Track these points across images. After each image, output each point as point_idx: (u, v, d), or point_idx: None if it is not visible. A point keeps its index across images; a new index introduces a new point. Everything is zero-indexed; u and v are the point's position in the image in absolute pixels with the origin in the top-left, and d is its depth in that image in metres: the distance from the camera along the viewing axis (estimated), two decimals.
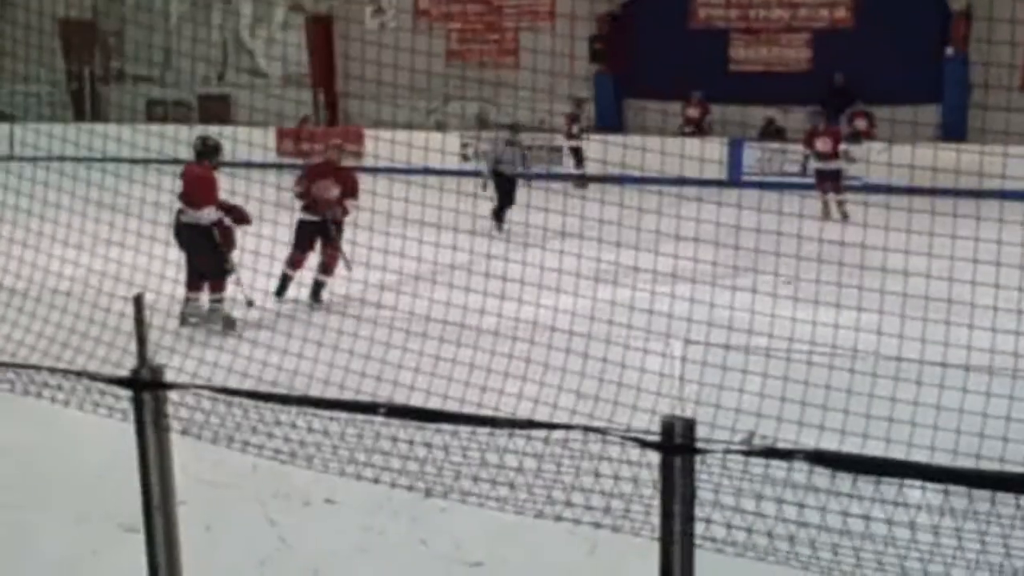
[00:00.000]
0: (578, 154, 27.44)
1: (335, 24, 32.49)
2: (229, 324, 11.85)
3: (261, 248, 8.85)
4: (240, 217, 11.99)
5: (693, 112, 28.90)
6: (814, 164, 22.09)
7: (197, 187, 12.02)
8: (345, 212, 13.55)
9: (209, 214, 12.09)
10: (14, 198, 9.11)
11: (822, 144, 21.89)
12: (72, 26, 33.83)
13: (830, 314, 7.35)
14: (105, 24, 35.92)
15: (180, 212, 12.11)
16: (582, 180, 24.29)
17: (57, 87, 35.28)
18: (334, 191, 13.80)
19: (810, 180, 21.78)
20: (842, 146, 21.70)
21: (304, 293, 13.69)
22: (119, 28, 35.98)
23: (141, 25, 35.14)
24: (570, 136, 27.87)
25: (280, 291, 13.49)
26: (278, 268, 11.35)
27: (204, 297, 12.30)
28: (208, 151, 12.48)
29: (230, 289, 12.26)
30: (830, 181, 21.40)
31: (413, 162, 10.12)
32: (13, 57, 12.38)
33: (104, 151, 9.84)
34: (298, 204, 13.53)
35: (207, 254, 12.09)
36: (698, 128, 28.50)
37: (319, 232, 13.74)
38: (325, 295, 13.64)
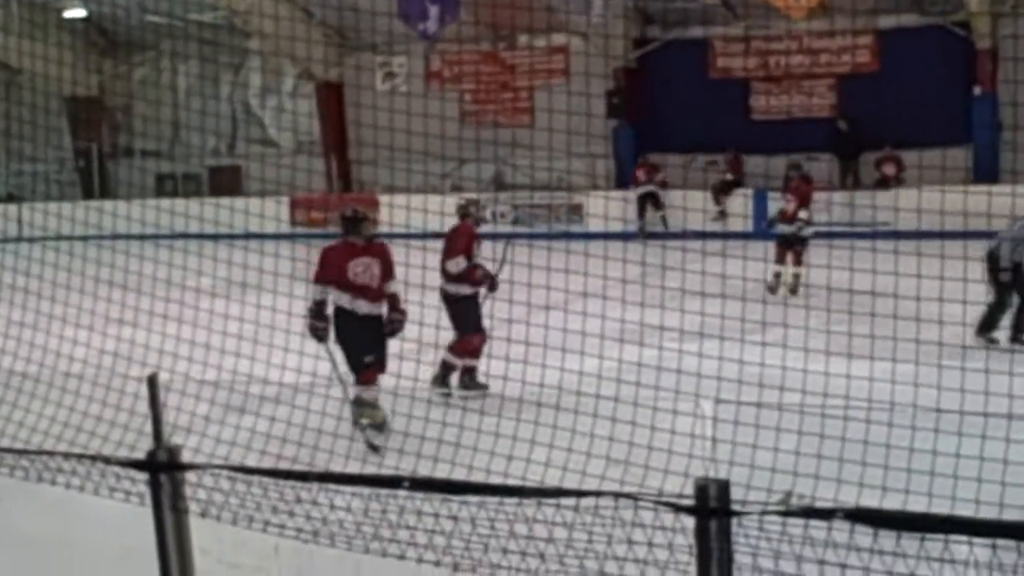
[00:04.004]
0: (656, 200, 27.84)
1: (345, 91, 32.67)
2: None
3: (276, 322, 8.76)
4: (394, 309, 10.62)
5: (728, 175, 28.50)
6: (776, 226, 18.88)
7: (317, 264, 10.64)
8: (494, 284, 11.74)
9: (315, 292, 10.47)
10: (23, 280, 9.05)
11: (788, 203, 18.71)
12: (79, 103, 34.14)
13: (864, 367, 7.18)
14: (112, 100, 36.16)
15: None
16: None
17: (64, 165, 35.44)
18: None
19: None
20: (803, 213, 18.17)
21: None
22: (126, 103, 36.18)
23: (148, 100, 35.30)
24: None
25: (444, 380, 11.73)
26: (295, 342, 10.38)
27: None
28: (344, 226, 10.91)
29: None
30: (788, 249, 18.23)
31: (429, 227, 10.04)
32: (20, 137, 12.32)
33: (114, 229, 9.78)
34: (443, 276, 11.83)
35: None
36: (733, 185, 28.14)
37: (478, 307, 11.97)
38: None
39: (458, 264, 11.73)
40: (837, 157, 27.90)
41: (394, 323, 10.53)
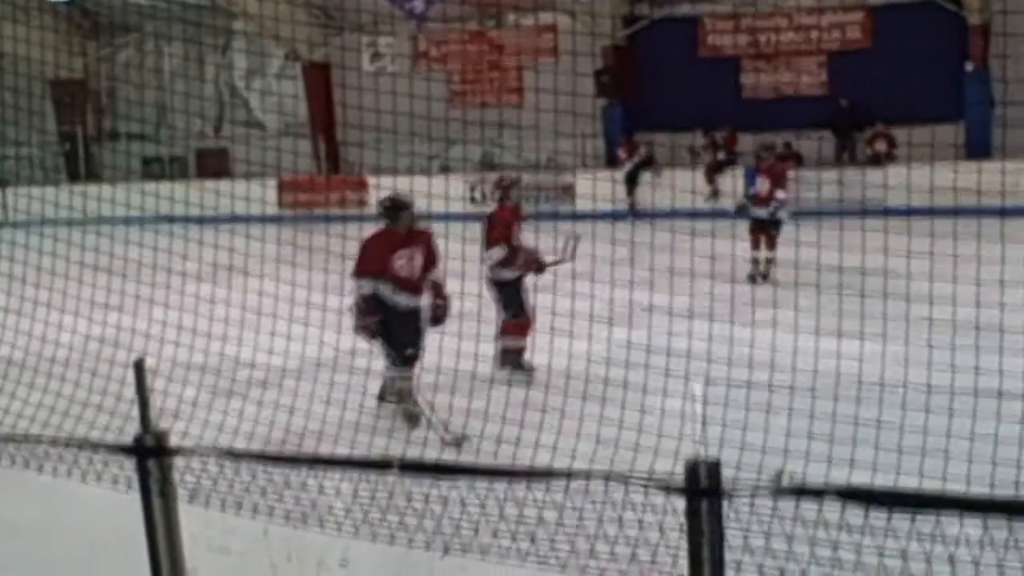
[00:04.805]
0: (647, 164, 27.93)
1: (332, 71, 32.50)
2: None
3: (264, 305, 8.71)
4: (438, 296, 10.32)
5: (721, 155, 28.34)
6: (751, 209, 17.94)
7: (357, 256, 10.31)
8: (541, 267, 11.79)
9: (358, 287, 10.18)
10: (7, 265, 8.99)
11: (759, 184, 17.91)
12: (63, 86, 33.92)
13: (854, 345, 7.16)
14: (96, 83, 35.97)
15: None
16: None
17: (48, 149, 35.23)
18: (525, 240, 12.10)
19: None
20: (779, 193, 17.41)
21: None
22: (111, 86, 36.00)
23: (133, 82, 35.11)
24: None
25: (520, 365, 11.48)
26: (282, 326, 10.17)
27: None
28: (383, 212, 10.49)
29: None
30: (762, 233, 17.47)
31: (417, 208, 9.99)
32: (3, 121, 12.20)
33: (99, 212, 9.71)
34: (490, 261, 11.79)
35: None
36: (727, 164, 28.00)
37: (521, 290, 11.94)
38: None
39: (496, 253, 11.72)
40: (835, 134, 27.85)
41: (438, 309, 10.28)
